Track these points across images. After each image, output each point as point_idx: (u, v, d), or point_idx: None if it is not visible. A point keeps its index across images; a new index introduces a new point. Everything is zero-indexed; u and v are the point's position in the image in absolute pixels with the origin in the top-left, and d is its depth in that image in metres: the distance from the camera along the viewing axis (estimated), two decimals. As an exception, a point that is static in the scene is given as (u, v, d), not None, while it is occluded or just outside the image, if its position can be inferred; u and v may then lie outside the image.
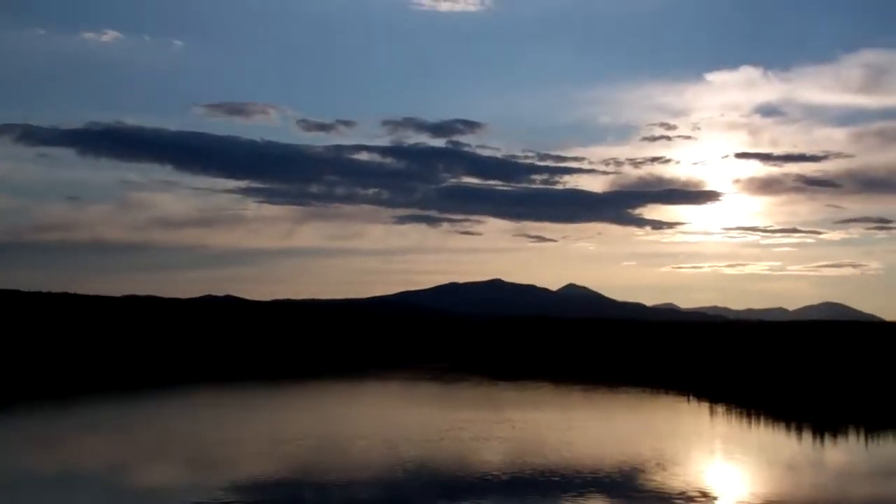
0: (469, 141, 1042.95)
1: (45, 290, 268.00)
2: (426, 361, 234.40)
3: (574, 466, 67.08)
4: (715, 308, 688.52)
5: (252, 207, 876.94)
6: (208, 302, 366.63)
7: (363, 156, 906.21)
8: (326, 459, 70.84)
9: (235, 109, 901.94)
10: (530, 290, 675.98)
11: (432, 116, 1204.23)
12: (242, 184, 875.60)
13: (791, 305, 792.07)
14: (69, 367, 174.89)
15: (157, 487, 59.61)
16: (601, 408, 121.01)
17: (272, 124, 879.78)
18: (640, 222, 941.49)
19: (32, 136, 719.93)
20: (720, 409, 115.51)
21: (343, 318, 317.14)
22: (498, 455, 74.86)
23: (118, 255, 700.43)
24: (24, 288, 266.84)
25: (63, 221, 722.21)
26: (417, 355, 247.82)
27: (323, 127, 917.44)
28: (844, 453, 78.41)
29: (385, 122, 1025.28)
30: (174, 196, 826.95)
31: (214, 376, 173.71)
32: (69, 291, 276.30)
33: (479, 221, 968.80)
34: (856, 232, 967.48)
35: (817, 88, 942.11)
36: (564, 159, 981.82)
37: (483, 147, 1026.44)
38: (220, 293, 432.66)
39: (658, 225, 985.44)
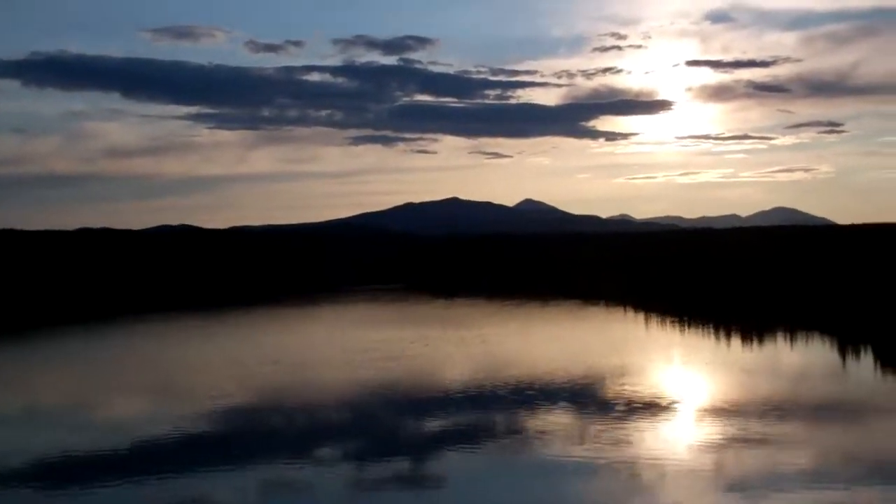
0: (421, 58, 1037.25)
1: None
2: (384, 282, 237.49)
3: (528, 379, 70.20)
4: (669, 218, 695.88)
5: (204, 134, 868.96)
6: (163, 232, 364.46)
7: (314, 76, 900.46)
8: (292, 384, 73.26)
9: (182, 33, 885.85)
10: (487, 206, 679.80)
11: (383, 33, 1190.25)
12: (192, 110, 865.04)
13: (744, 212, 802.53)
14: (25, 303, 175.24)
15: (125, 418, 61.64)
16: (551, 322, 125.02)
17: (220, 47, 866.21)
18: (594, 134, 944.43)
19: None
20: (659, 319, 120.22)
21: (300, 241, 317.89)
22: (453, 372, 77.88)
23: (69, 188, 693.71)
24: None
25: (11, 155, 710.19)
26: (375, 277, 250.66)
27: (272, 48, 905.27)
28: (768, 355, 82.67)
29: (335, 41, 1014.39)
30: (123, 125, 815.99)
31: (174, 306, 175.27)
32: (17, 228, 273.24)
33: (434, 140, 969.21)
34: (806, 136, 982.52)
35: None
36: (517, 73, 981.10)
37: (435, 63, 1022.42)
38: (176, 222, 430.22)
39: (612, 136, 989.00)
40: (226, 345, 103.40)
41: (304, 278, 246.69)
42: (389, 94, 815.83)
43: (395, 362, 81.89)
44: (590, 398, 61.53)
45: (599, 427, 51.92)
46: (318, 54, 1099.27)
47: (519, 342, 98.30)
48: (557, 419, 55.01)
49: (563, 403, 59.81)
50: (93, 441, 51.08)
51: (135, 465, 46.15)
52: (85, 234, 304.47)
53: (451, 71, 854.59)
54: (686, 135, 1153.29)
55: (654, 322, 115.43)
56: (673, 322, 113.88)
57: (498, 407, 59.84)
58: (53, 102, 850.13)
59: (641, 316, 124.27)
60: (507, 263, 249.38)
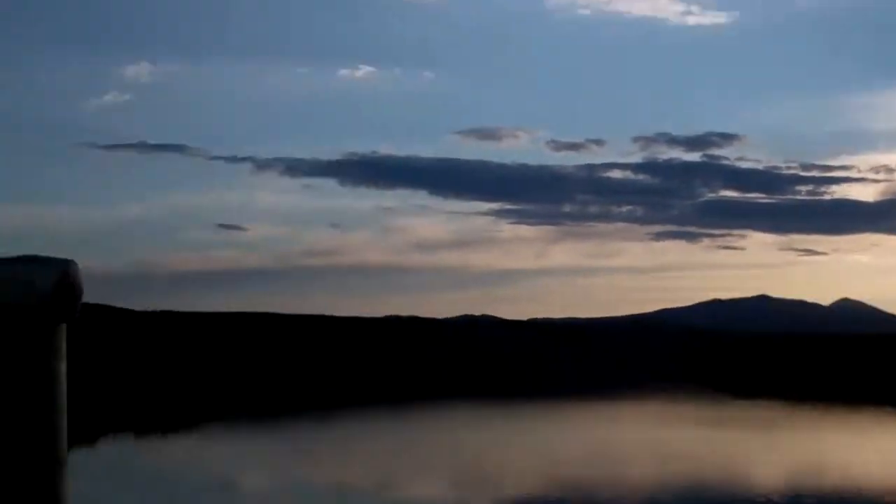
0: (726, 154, 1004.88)
1: (309, 312, 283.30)
2: (685, 381, 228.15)
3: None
4: None
5: (506, 229, 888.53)
6: (466, 321, 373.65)
7: (615, 173, 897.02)
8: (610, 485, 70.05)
9: (486, 135, 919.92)
10: (799, 305, 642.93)
11: (685, 131, 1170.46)
12: (495, 206, 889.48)
13: None
14: (334, 384, 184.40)
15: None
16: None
17: (522, 147, 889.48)
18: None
19: (296, 168, 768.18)
20: None
21: (599, 336, 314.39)
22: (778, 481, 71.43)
23: (379, 278, 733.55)
24: (292, 311, 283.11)
25: (328, 247, 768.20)
26: (675, 374, 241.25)
27: (573, 146, 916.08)
28: None
29: (636, 139, 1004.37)
30: (430, 220, 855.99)
31: (480, 393, 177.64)
32: (328, 314, 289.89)
33: (741, 236, 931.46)
34: None
35: None
36: (831, 168, 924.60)
37: (742, 159, 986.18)
38: (478, 312, 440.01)
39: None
40: (540, 441, 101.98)
41: (597, 373, 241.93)
42: (693, 191, 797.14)
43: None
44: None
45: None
46: (619, 152, 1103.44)
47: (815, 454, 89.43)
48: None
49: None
50: None
51: None
52: (392, 321, 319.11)
53: (759, 167, 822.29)
54: None
55: None
56: None
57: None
58: (367, 199, 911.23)
59: None
60: (816, 365, 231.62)
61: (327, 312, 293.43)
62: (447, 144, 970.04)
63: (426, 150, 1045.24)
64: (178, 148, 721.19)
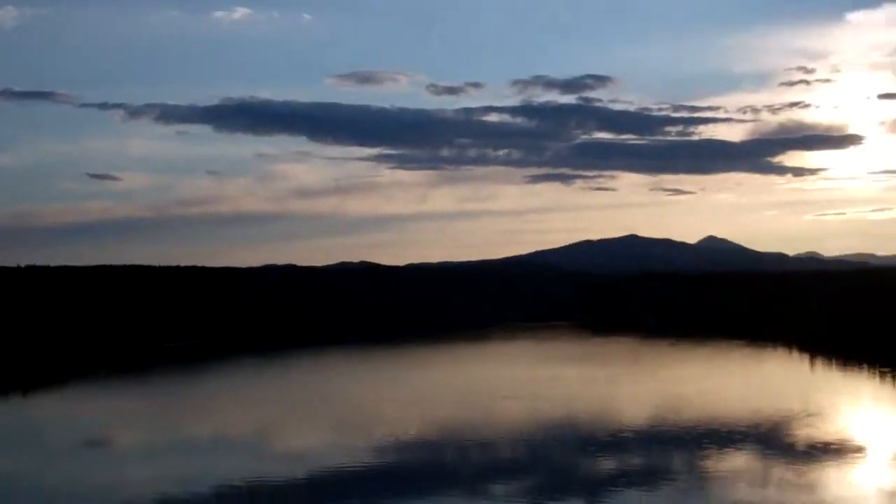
0: (600, 96, 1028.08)
1: (183, 263, 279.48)
2: (553, 319, 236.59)
3: (704, 421, 69.34)
4: (860, 255, 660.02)
5: (386, 174, 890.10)
6: (344, 269, 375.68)
7: (493, 117, 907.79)
8: (462, 419, 74.27)
9: (365, 78, 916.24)
10: (666, 244, 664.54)
11: (561, 73, 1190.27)
12: (375, 151, 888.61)
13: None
14: (210, 335, 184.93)
15: (304, 447, 63.86)
16: (724, 364, 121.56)
17: (402, 91, 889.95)
18: (781, 170, 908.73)
19: (171, 114, 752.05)
20: (833, 362, 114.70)
21: (476, 278, 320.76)
22: (615, 412, 76.95)
23: (257, 226, 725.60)
24: (168, 262, 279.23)
25: (204, 196, 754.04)
26: (544, 314, 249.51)
27: (452, 90, 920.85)
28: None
29: (514, 82, 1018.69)
30: (309, 166, 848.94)
31: (351, 338, 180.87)
32: (204, 265, 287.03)
33: (613, 177, 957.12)
34: None
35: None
36: (699, 109, 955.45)
37: (615, 101, 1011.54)
38: (356, 259, 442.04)
39: (799, 172, 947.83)
40: (396, 379, 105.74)
41: (475, 313, 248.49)
42: (568, 133, 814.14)
43: (552, 402, 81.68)
44: (736, 441, 59.95)
45: (754, 468, 50.43)
46: (496, 95, 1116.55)
47: (673, 383, 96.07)
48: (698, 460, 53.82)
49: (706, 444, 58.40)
50: (269, 469, 53.52)
51: (313, 496, 47.94)
52: (269, 270, 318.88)
53: (631, 108, 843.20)
54: (878, 170, 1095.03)
55: (822, 367, 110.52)
56: (846, 367, 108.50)
57: (656, 448, 58.95)
58: (244, 146, 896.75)
59: (809, 360, 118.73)
60: (682, 301, 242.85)
61: (203, 263, 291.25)
62: (326, 89, 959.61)
63: (305, 94, 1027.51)
64: (46, 95, 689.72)
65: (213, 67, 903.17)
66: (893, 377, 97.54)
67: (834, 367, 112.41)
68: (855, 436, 63.53)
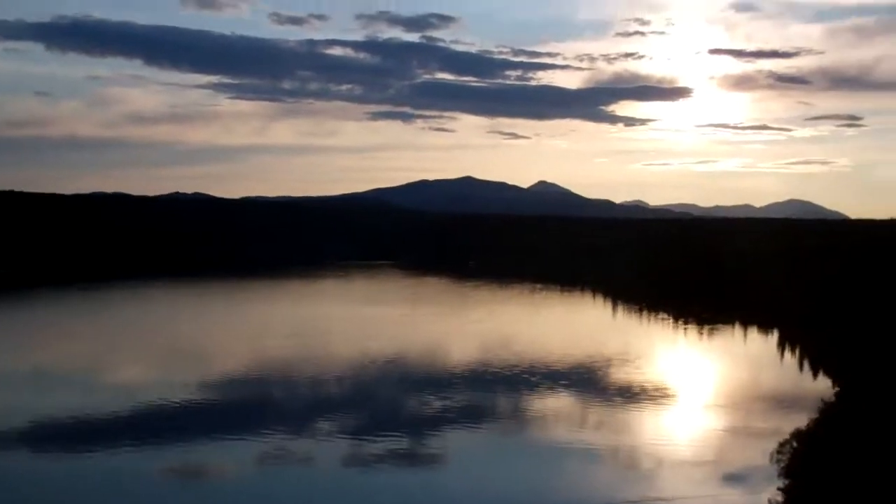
0: (443, 36, 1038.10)
1: (14, 188, 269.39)
2: (385, 258, 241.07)
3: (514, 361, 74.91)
4: (683, 205, 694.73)
5: (225, 104, 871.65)
6: (176, 199, 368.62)
7: (336, 50, 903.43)
8: (286, 357, 77.02)
9: (206, 2, 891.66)
10: (501, 187, 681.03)
11: (406, 10, 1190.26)
12: (214, 79, 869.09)
13: (758, 203, 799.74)
14: (31, 263, 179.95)
15: (128, 383, 65.21)
16: (536, 307, 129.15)
17: (244, 18, 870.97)
18: (613, 119, 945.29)
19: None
20: (631, 308, 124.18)
21: (309, 214, 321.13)
22: (434, 350, 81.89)
23: (89, 152, 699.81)
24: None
25: (35, 117, 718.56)
26: (377, 252, 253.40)
27: (295, 21, 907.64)
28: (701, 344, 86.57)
29: (358, 16, 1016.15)
30: (145, 91, 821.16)
31: (179, 271, 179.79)
32: (27, 190, 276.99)
33: (452, 118, 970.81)
34: (825, 129, 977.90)
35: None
36: (539, 55, 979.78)
37: (457, 42, 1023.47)
38: (189, 190, 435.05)
39: (631, 122, 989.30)
40: (222, 316, 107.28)
41: (306, 250, 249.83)
42: (410, 71, 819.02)
43: (372, 341, 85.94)
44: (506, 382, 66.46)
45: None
46: (341, 28, 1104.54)
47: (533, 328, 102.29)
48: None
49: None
50: (94, 405, 54.97)
51: (133, 431, 49.78)
52: (98, 198, 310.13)
53: (472, 50, 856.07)
54: (705, 123, 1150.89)
55: (622, 311, 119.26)
56: (645, 312, 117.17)
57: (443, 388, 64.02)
58: (77, 67, 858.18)
59: (611, 304, 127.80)
60: (506, 244, 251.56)
61: (27, 188, 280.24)
62: (165, 11, 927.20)
63: (143, 16, 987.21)
64: None
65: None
66: (685, 324, 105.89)
67: (628, 312, 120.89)
68: (634, 376, 70.17)
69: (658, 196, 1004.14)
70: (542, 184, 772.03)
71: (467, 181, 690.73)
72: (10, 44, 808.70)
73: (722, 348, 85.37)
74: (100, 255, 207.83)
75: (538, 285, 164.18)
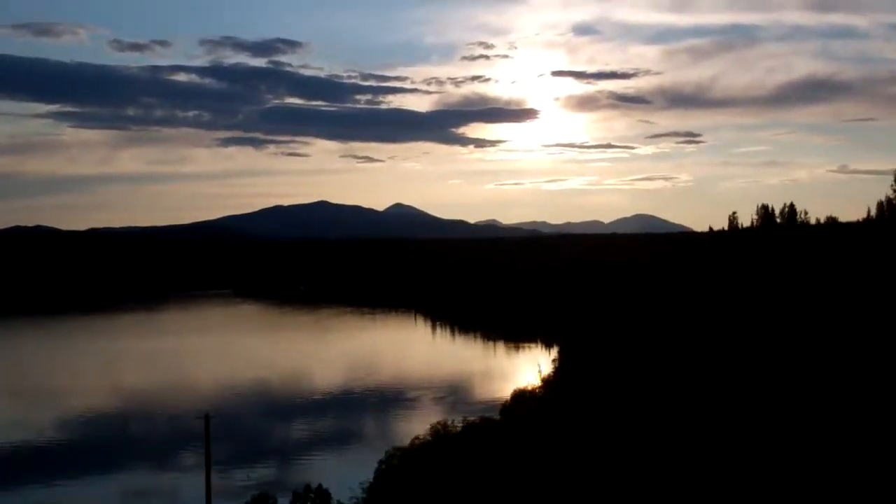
0: (290, 60, 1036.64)
1: None
2: (224, 286, 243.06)
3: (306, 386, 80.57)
4: (535, 223, 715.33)
5: (68, 133, 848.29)
6: (16, 233, 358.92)
7: (181, 77, 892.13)
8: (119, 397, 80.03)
9: (42, 30, 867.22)
10: (356, 210, 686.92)
11: (251, 35, 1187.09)
12: (54, 108, 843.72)
13: (606, 218, 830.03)
14: None
15: None
16: (356, 330, 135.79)
17: (83, 45, 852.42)
18: (464, 141, 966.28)
19: None
20: (441, 325, 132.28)
21: (155, 244, 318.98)
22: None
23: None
24: None
25: None
26: (217, 280, 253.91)
27: (137, 47, 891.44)
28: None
29: (202, 42, 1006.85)
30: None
31: (14, 309, 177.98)
32: None
33: (305, 143, 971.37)
34: (667, 146, 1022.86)
35: (631, 7, 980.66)
36: (388, 79, 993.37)
37: (305, 67, 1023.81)
38: (31, 223, 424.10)
39: (481, 143, 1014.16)
40: (54, 356, 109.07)
41: (147, 282, 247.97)
42: (259, 96, 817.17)
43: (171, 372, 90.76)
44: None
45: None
46: (185, 54, 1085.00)
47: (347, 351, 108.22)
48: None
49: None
50: None
51: None
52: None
53: (321, 74, 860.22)
54: (552, 143, 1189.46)
55: (440, 331, 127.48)
56: (457, 330, 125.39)
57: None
58: None
59: (424, 322, 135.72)
60: (342, 268, 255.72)
61: None
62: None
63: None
64: None
65: None
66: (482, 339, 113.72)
67: (446, 332, 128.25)
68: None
69: (511, 214, 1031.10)
70: (397, 206, 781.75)
71: (322, 205, 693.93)
72: None
73: (484, 358, 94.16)
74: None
75: (363, 308, 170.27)
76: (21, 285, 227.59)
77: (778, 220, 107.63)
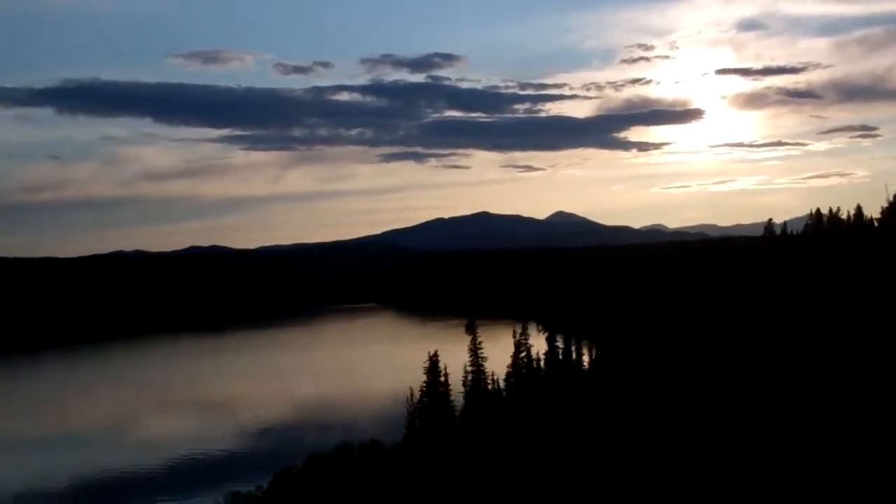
0: (448, 74, 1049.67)
1: (32, 255, 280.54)
2: (373, 300, 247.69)
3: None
4: (703, 226, 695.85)
5: (238, 155, 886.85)
6: (193, 253, 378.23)
7: (343, 96, 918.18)
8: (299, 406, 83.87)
9: (210, 58, 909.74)
10: (517, 220, 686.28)
11: (410, 52, 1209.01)
12: (224, 132, 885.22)
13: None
14: (62, 326, 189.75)
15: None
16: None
17: (249, 70, 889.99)
18: (627, 145, 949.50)
19: (8, 97, 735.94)
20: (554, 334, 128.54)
21: (322, 260, 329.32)
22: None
23: (106, 212, 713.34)
24: (12, 254, 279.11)
25: (50, 181, 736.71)
26: (370, 293, 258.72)
27: (301, 70, 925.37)
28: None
29: (363, 61, 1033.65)
30: (157, 149, 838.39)
31: (203, 323, 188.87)
32: (56, 256, 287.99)
33: (466, 155, 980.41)
34: (840, 141, 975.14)
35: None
36: (546, 86, 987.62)
37: (463, 79, 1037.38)
38: (207, 243, 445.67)
39: (644, 147, 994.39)
40: (246, 368, 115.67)
41: (311, 294, 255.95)
42: (419, 111, 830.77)
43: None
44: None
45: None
46: (346, 74, 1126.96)
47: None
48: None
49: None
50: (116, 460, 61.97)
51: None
52: (117, 258, 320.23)
53: (479, 86, 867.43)
54: (720, 143, 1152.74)
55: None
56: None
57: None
58: (88, 128, 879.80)
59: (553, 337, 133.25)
60: (488, 280, 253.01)
61: (51, 254, 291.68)
62: (170, 69, 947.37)
63: (148, 75, 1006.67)
64: None
65: (50, 48, 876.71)
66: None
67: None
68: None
69: (678, 218, 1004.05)
70: (559, 214, 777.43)
71: (483, 216, 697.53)
72: (21, 110, 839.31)
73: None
74: (126, 312, 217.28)
75: (490, 319, 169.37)
76: (195, 302, 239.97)
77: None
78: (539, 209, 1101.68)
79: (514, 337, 65.74)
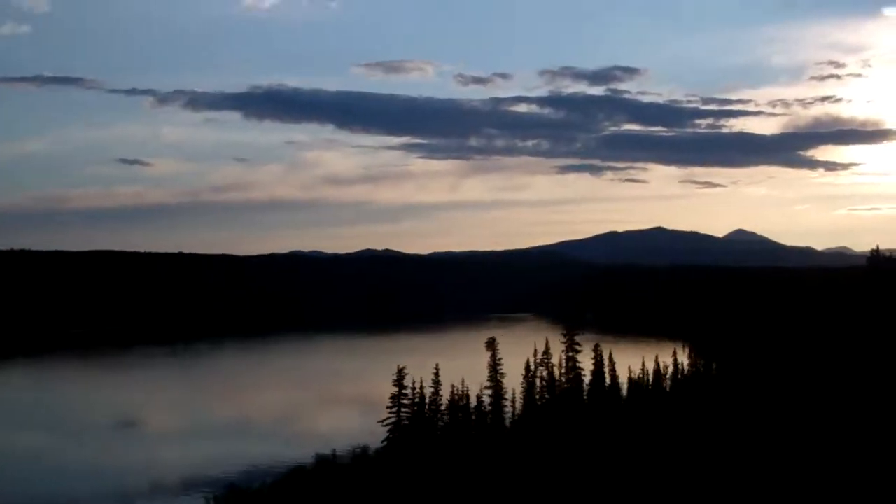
0: (629, 87, 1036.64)
1: (210, 252, 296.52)
2: (530, 310, 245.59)
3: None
4: (892, 251, 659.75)
5: (416, 163, 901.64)
6: (367, 255, 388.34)
7: (521, 107, 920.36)
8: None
9: (392, 67, 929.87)
10: (694, 237, 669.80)
11: (590, 64, 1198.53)
12: (403, 140, 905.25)
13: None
14: (240, 321, 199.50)
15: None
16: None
17: (429, 80, 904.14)
18: (813, 164, 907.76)
19: (199, 101, 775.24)
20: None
21: (494, 268, 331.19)
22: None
23: (290, 212, 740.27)
24: (191, 250, 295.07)
25: (234, 182, 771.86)
26: (526, 304, 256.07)
27: (480, 80, 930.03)
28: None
29: (542, 73, 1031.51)
30: (338, 154, 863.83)
31: (374, 323, 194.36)
32: (236, 254, 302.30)
33: (643, 169, 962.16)
34: None
35: None
36: (730, 102, 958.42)
37: (644, 93, 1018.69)
38: (380, 247, 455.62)
39: (832, 166, 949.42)
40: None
41: (473, 302, 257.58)
42: (597, 124, 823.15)
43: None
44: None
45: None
46: (524, 86, 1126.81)
47: None
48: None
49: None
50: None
51: None
52: (293, 257, 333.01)
53: (660, 100, 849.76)
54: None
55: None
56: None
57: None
58: (272, 133, 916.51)
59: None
60: (653, 296, 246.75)
61: (230, 251, 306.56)
62: (353, 77, 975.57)
63: (332, 83, 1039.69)
64: (75, 81, 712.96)
65: (240, 55, 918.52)
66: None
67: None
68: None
69: (864, 242, 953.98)
70: (738, 232, 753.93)
71: (658, 232, 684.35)
72: (210, 114, 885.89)
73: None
74: (297, 308, 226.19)
75: (637, 338, 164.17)
76: (358, 303, 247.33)
77: None
78: (718, 226, 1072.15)
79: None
